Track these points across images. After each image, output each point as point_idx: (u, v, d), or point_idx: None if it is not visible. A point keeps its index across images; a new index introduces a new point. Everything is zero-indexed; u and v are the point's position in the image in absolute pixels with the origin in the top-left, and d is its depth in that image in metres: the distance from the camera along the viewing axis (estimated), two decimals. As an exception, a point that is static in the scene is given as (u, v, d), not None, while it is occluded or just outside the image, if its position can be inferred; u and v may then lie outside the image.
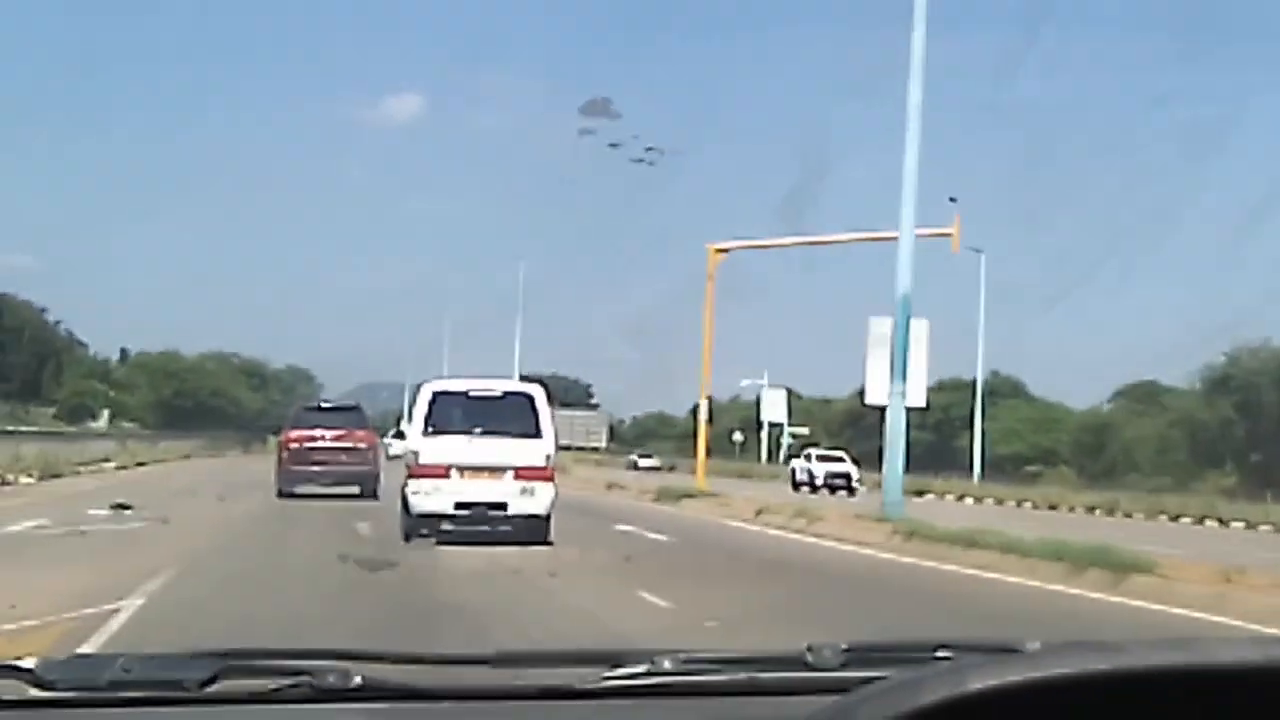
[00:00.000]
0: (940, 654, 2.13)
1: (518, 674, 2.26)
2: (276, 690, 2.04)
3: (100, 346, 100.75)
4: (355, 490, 27.26)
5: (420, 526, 17.80)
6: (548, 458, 17.95)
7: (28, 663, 2.03)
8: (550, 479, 17.99)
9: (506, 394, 18.18)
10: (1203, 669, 1.18)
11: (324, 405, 31.59)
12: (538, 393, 18.19)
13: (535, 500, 17.80)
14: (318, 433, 27.96)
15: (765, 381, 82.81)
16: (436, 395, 17.98)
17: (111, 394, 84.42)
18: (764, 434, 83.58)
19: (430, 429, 17.83)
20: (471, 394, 18.05)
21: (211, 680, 2.03)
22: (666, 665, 2.17)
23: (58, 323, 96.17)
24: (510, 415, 18.10)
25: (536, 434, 17.91)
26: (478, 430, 17.84)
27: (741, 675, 2.19)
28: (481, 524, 17.91)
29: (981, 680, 1.12)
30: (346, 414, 29.29)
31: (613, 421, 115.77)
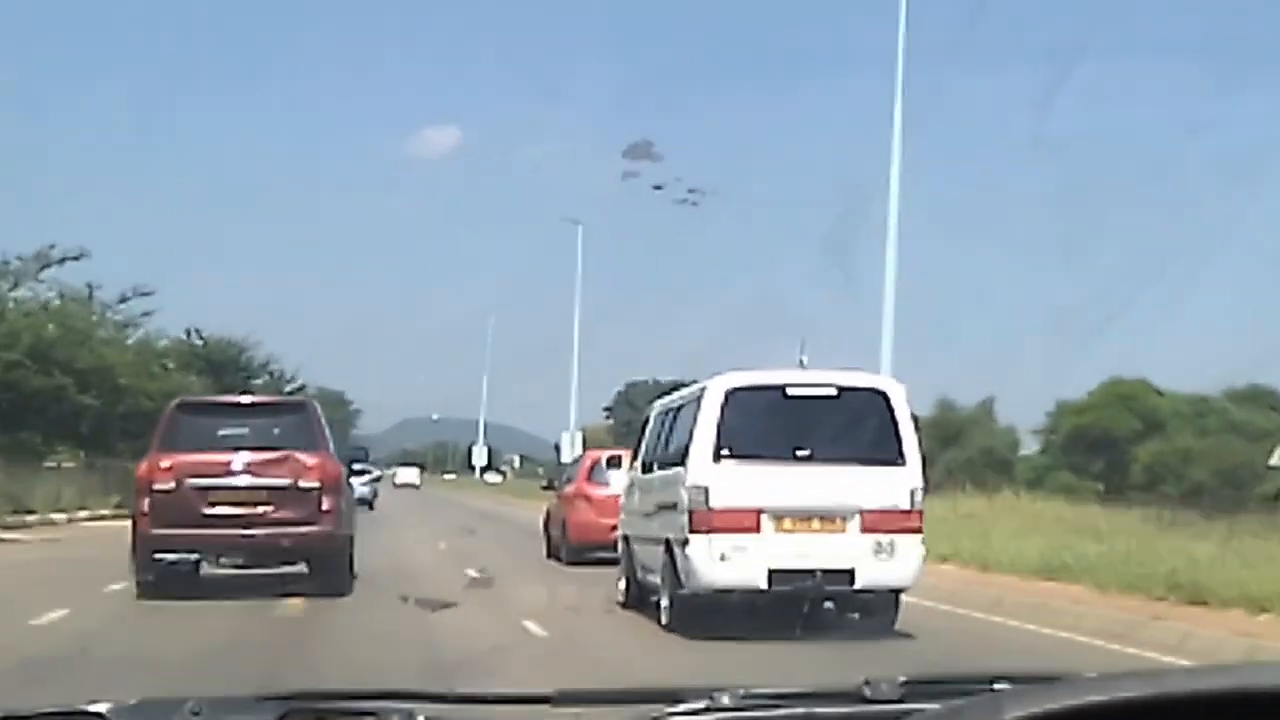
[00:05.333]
0: (997, 686, 2.08)
1: (579, 713, 2.39)
2: None
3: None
4: (295, 570, 14.06)
5: (705, 610, 10.94)
6: (914, 496, 11.04)
7: (99, 707, 2.10)
8: (919, 530, 11.09)
9: (845, 391, 11.25)
10: (1243, 693, 1.15)
11: (233, 402, 17.37)
12: (896, 392, 11.28)
13: (896, 565, 10.91)
14: (218, 459, 13.65)
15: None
16: (733, 395, 11.09)
17: None
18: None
19: (724, 451, 10.96)
20: (791, 392, 11.14)
21: None
22: (725, 701, 2.19)
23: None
24: (853, 427, 11.26)
25: (897, 458, 11.04)
26: (802, 453, 10.99)
27: (799, 710, 2.22)
28: (810, 602, 11.03)
29: (1019, 708, 1.11)
30: (277, 419, 14.73)
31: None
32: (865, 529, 10.92)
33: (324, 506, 13.43)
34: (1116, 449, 56.41)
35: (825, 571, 10.85)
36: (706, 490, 10.90)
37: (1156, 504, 35.28)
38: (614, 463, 14.14)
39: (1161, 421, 57.42)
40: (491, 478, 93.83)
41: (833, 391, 11.19)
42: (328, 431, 14.51)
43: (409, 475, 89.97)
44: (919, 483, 11.14)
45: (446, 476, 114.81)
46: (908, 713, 1.82)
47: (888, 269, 19.60)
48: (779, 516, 10.89)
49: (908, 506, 11.01)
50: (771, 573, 10.78)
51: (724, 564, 10.81)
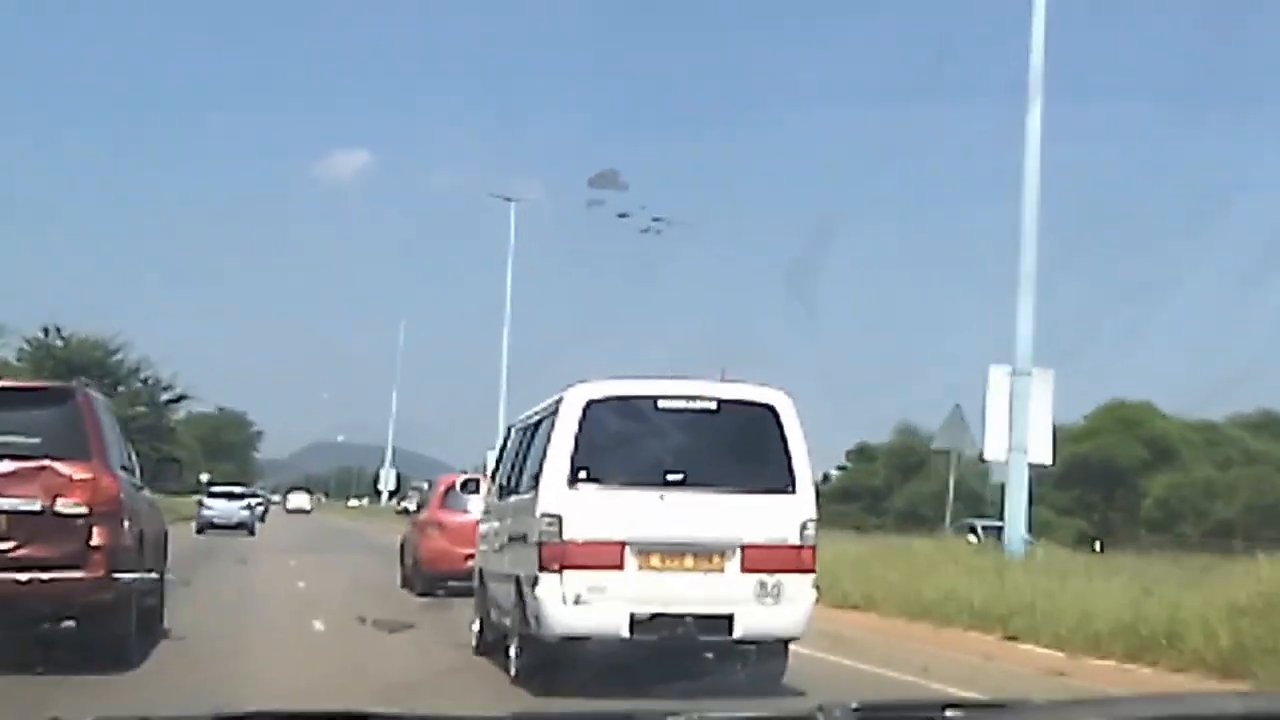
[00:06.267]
0: (949, 714, 2.07)
1: None
2: None
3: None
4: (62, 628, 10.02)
5: (560, 661, 9.25)
6: (805, 529, 9.42)
7: None
8: (811, 569, 9.47)
9: (726, 405, 9.59)
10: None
11: None
12: (784, 405, 9.63)
13: (783, 611, 9.28)
14: None
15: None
16: (592, 408, 9.39)
17: None
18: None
19: (581, 474, 9.26)
20: (663, 405, 9.46)
21: None
22: None
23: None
24: (736, 448, 9.65)
25: (787, 484, 9.42)
26: (674, 478, 9.34)
27: None
28: (682, 653, 9.36)
29: None
30: (29, 413, 9.98)
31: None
32: (747, 568, 9.26)
33: (94, 541, 9.31)
34: (1122, 481, 48.96)
35: (698, 617, 9.17)
36: (560, 520, 9.18)
37: (1172, 547, 29.40)
38: (469, 487, 12.41)
39: (1170, 450, 49.58)
40: (408, 503, 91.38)
41: (712, 405, 9.52)
42: (111, 434, 10.36)
43: (300, 500, 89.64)
44: (811, 514, 9.50)
45: (351, 503, 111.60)
46: None
47: (1025, 256, 18.91)
48: (645, 552, 9.20)
49: (798, 541, 9.37)
50: (634, 618, 9.08)
51: (579, 607, 9.09)
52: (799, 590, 9.35)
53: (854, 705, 2.17)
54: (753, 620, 9.24)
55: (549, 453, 9.37)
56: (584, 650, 9.46)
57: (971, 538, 27.32)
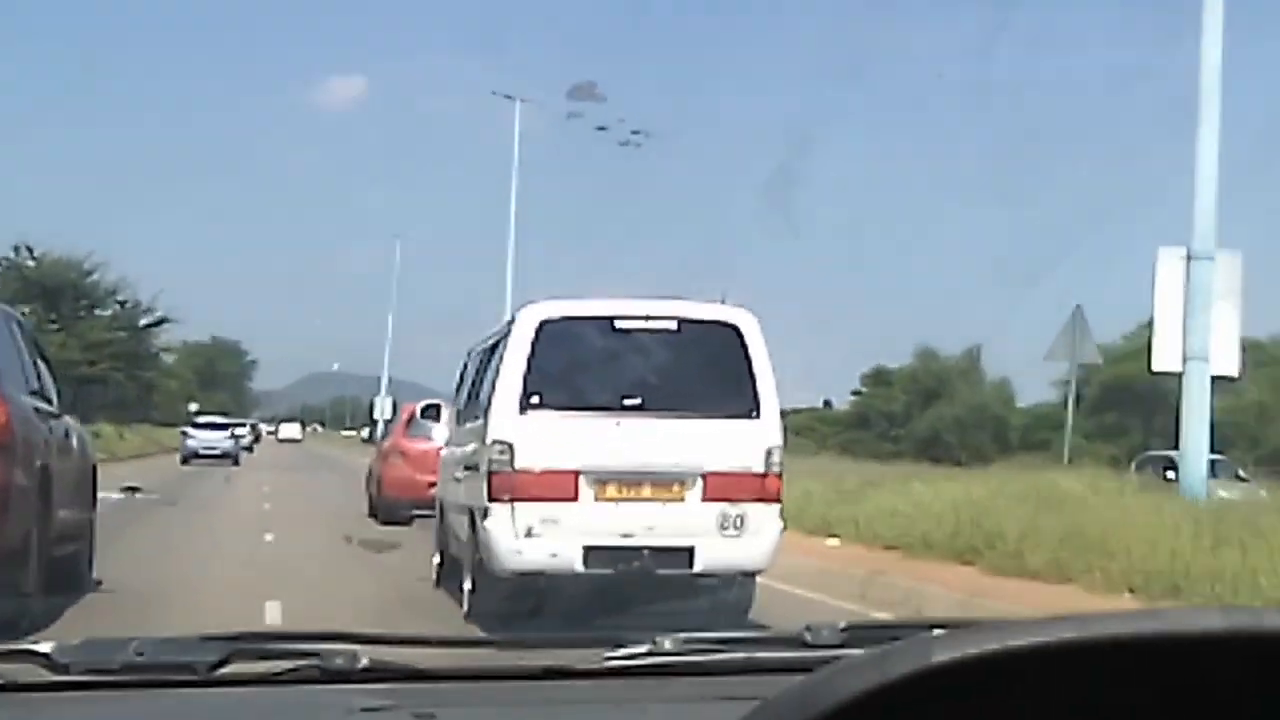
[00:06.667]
0: (935, 632, 1.53)
1: (521, 655, 2.42)
2: (285, 672, 2.06)
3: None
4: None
5: (515, 596, 8.79)
6: (770, 457, 8.91)
7: (43, 646, 2.01)
8: (777, 499, 8.97)
9: (688, 325, 9.04)
10: (1170, 637, 1.12)
11: None
12: (750, 326, 9.08)
13: (747, 543, 8.80)
14: None
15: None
16: (546, 328, 8.85)
17: None
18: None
19: (534, 399, 8.74)
20: (621, 325, 8.92)
21: (222, 663, 2.03)
22: (667, 645, 2.20)
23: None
24: (698, 370, 9.13)
25: (751, 409, 8.90)
26: (632, 402, 8.83)
27: (740, 654, 2.25)
28: (638, 586, 8.88)
29: (948, 651, 1.07)
30: None
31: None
32: (709, 497, 8.76)
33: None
34: (1165, 405, 41.84)
35: (657, 550, 8.67)
36: (510, 447, 8.66)
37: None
38: (429, 413, 11.91)
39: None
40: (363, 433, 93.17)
41: (672, 325, 8.95)
42: (7, 351, 8.67)
43: (290, 430, 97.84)
44: (777, 440, 8.98)
45: (346, 433, 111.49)
46: (844, 656, 1.67)
47: (1205, 103, 15.17)
48: (601, 481, 8.69)
49: (762, 469, 8.86)
50: (588, 550, 8.60)
51: (530, 540, 8.60)
52: (764, 520, 8.85)
53: (841, 625, 2.26)
54: (715, 552, 8.75)
55: (499, 377, 8.84)
56: (539, 585, 8.98)
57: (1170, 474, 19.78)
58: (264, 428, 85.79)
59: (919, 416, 55.01)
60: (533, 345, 8.77)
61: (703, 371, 9.11)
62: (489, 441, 8.75)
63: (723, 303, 9.73)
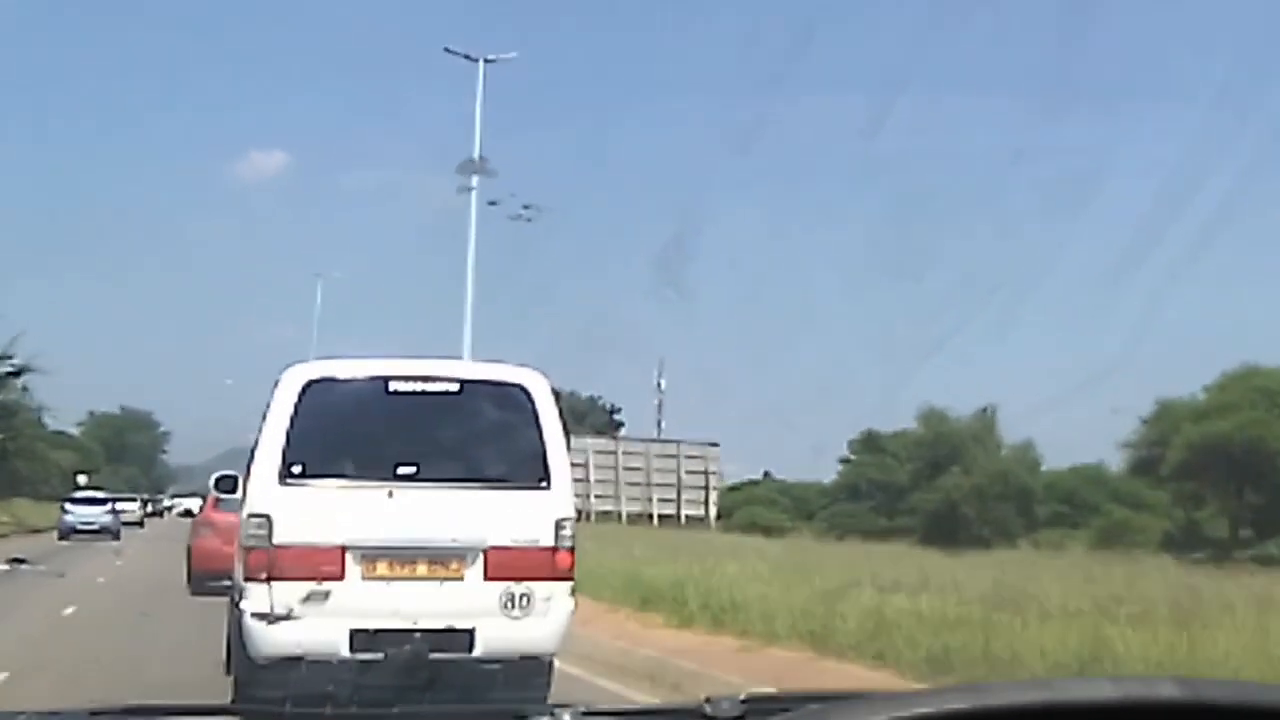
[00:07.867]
0: (835, 704, 1.88)
1: None
2: None
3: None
4: None
5: (272, 682, 7.91)
6: (560, 530, 8.18)
7: None
8: (568, 577, 8.23)
9: (470, 386, 8.30)
10: (1061, 705, 1.16)
11: None
12: (537, 386, 8.36)
13: (534, 624, 8.05)
14: None
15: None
16: (311, 389, 8.07)
17: None
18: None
19: (294, 469, 7.94)
20: (396, 386, 8.16)
21: None
22: (566, 718, 2.27)
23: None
24: (481, 436, 8.41)
25: (540, 478, 8.18)
26: (406, 471, 8.07)
27: None
28: (414, 678, 8.05)
29: None
30: None
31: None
32: (491, 575, 8.00)
33: None
34: (1271, 470, 35.08)
35: (432, 632, 7.88)
36: (269, 520, 7.86)
37: None
38: (223, 485, 10.98)
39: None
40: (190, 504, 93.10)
41: (453, 386, 8.23)
42: None
43: (191, 505, 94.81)
44: (568, 511, 8.26)
45: None
46: None
47: None
48: (370, 558, 7.91)
49: (551, 543, 8.12)
50: (354, 633, 7.78)
51: (290, 623, 7.78)
52: (553, 600, 8.10)
53: (741, 697, 2.28)
54: (498, 635, 7.98)
55: (258, 445, 8.05)
56: (307, 674, 8.13)
57: None
58: (169, 502, 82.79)
59: (928, 486, 47.75)
60: (296, 408, 7.99)
61: (487, 437, 8.39)
62: (245, 515, 7.96)
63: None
